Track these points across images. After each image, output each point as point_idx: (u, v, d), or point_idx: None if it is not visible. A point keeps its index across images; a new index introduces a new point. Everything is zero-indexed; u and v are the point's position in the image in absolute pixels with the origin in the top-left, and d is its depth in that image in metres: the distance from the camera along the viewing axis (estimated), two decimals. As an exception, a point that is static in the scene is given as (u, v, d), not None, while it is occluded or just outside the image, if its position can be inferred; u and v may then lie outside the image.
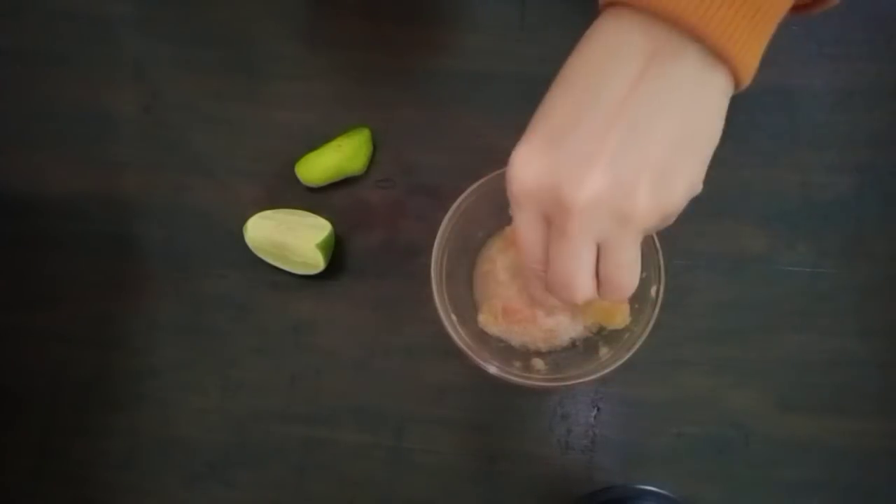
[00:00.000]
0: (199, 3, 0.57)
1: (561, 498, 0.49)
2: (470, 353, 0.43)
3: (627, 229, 0.31)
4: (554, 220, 0.32)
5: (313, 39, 0.56)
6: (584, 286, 0.34)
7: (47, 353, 0.53)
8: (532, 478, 0.50)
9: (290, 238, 0.50)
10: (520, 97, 0.53)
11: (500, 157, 0.45)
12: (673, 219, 0.33)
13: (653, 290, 0.43)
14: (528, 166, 0.32)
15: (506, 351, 0.48)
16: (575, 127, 0.31)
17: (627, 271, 0.33)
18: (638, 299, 0.45)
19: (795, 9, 0.32)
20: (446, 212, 0.45)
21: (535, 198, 0.32)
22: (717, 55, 0.29)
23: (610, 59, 0.31)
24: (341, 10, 0.56)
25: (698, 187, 0.32)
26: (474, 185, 0.45)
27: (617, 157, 0.30)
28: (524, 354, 0.48)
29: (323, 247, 0.50)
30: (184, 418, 0.52)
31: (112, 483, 0.51)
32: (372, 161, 0.53)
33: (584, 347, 0.48)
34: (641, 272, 0.45)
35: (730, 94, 0.31)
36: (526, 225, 0.34)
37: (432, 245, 0.44)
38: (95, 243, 0.54)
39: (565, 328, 0.47)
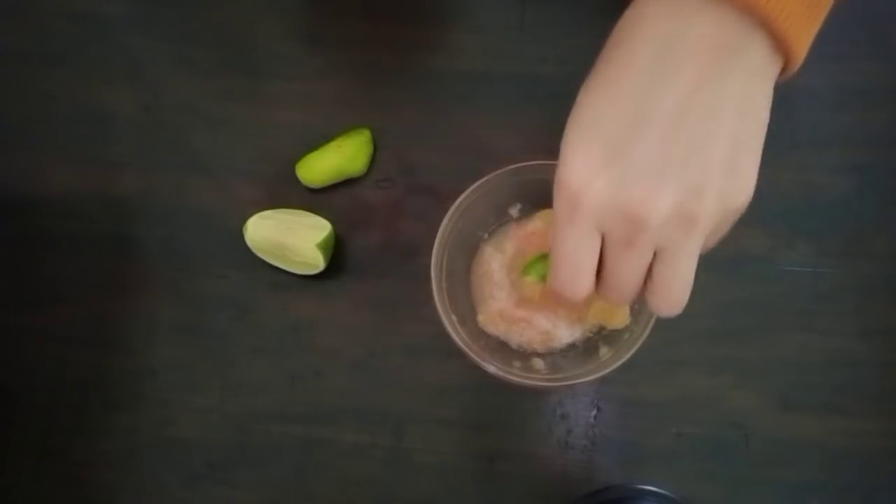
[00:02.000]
0: (198, 3, 0.57)
1: (561, 498, 0.49)
2: (470, 353, 0.43)
3: (692, 234, 0.30)
4: (616, 233, 0.31)
5: (313, 39, 0.56)
6: (635, 291, 0.33)
7: (47, 353, 0.53)
8: (532, 478, 0.50)
9: (290, 238, 0.50)
10: (520, 97, 0.54)
11: (500, 157, 0.45)
12: (734, 220, 0.32)
13: (653, 290, 0.43)
14: (592, 181, 0.30)
15: (506, 351, 0.48)
16: (637, 135, 0.29)
17: (683, 283, 0.32)
18: (638, 299, 0.45)
19: None
20: (446, 212, 0.45)
21: (600, 214, 0.30)
22: (780, 44, 0.28)
23: (666, 54, 0.29)
24: (341, 10, 0.56)
25: (753, 188, 0.31)
26: (474, 185, 0.45)
27: (686, 165, 0.29)
28: (524, 354, 0.48)
29: (323, 247, 0.50)
30: (184, 418, 0.52)
31: (112, 483, 0.51)
32: (372, 161, 0.53)
33: (584, 347, 0.48)
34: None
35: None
36: (578, 239, 0.31)
37: (432, 245, 0.44)
38: (95, 243, 0.54)
39: (563, 329, 0.47)
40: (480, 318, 0.48)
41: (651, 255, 0.31)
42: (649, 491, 0.48)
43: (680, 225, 0.30)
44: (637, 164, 0.29)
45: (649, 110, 0.29)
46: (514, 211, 0.49)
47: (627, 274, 0.32)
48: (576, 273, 0.33)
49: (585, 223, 0.31)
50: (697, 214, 0.29)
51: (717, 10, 0.28)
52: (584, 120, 0.31)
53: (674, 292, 0.32)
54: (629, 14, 0.31)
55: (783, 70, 0.30)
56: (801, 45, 0.29)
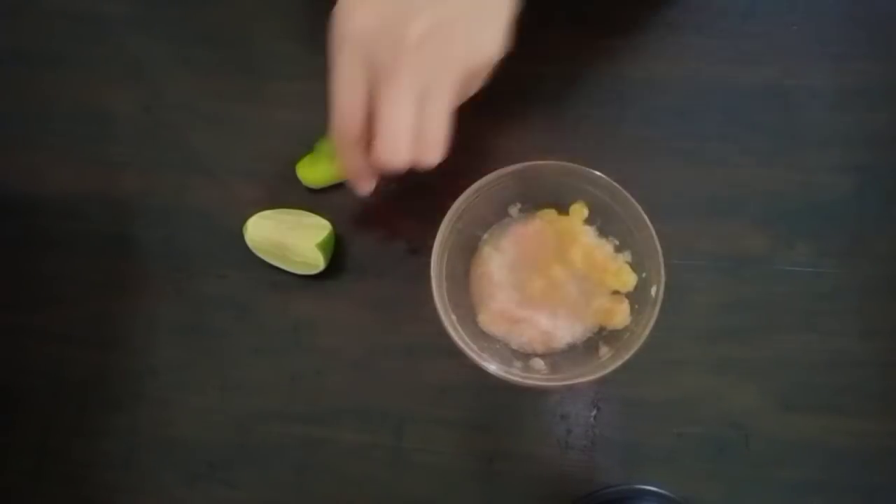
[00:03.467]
0: (198, 3, 0.57)
1: (561, 498, 0.49)
2: (470, 353, 0.43)
3: (451, 68, 0.38)
4: (383, 63, 0.37)
5: (313, 39, 0.56)
6: (408, 144, 0.38)
7: (47, 353, 0.53)
8: (532, 478, 0.50)
9: (290, 238, 0.50)
10: (519, 97, 0.54)
11: (500, 157, 0.45)
12: (481, 75, 0.40)
13: (653, 290, 0.43)
14: (359, 9, 0.37)
15: (506, 351, 0.48)
16: None
17: (439, 121, 0.38)
18: (638, 299, 0.45)
19: None
20: (446, 212, 0.45)
21: (365, 40, 0.37)
22: None
23: None
24: (341, 10, 0.56)
25: (501, 45, 0.40)
26: (474, 185, 0.45)
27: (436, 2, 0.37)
28: (524, 354, 0.48)
29: (323, 247, 0.50)
30: (184, 418, 0.52)
31: (112, 483, 0.51)
32: (372, 161, 0.53)
33: (584, 347, 0.48)
34: (641, 272, 0.45)
35: None
36: (348, 69, 0.38)
37: (432, 245, 0.44)
38: (95, 243, 0.54)
39: (563, 329, 0.47)
40: (480, 318, 0.48)
41: (416, 102, 0.37)
42: (649, 491, 0.48)
43: (441, 53, 0.37)
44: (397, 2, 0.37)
45: None
46: (514, 211, 0.49)
47: (394, 116, 0.37)
48: (349, 104, 0.39)
49: (352, 52, 0.38)
50: (451, 40, 0.37)
51: None
52: None
53: (430, 134, 0.38)
54: None
55: None
56: None
